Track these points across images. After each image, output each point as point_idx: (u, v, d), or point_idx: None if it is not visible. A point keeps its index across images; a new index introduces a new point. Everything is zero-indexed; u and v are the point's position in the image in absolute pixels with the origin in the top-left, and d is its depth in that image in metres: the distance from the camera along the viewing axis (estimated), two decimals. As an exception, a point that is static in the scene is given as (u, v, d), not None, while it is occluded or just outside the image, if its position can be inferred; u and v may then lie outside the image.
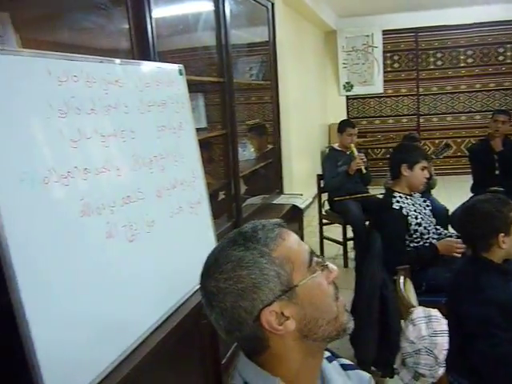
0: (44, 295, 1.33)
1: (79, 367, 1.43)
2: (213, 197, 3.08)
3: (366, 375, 1.08)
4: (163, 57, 2.65)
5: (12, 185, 1.28)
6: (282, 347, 0.91)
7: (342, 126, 4.71)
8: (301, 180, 5.98)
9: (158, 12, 2.34)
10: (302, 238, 4.01)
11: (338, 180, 4.52)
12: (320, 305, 0.91)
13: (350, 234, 4.55)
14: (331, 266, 0.96)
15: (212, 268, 0.93)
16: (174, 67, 2.26)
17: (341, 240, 4.62)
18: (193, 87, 3.05)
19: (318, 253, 4.29)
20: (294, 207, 3.75)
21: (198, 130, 3.11)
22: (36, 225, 1.34)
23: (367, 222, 4.19)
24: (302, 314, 0.89)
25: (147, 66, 2.05)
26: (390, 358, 2.19)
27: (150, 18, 2.16)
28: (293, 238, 0.95)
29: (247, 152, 4.21)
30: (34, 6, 1.96)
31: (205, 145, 3.13)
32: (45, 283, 1.34)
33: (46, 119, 1.44)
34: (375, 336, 2.27)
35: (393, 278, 2.50)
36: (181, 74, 2.30)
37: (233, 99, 3.09)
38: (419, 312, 1.56)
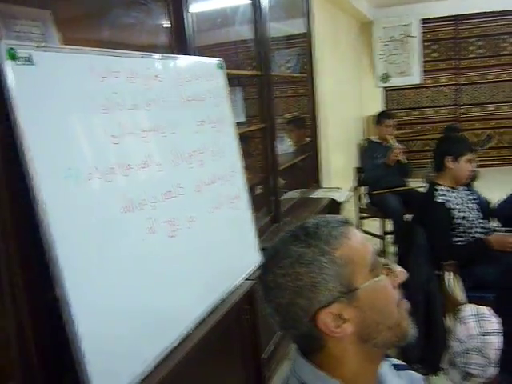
0: (88, 291, 1.33)
1: (124, 362, 1.43)
2: (251, 191, 3.07)
3: (419, 376, 1.04)
4: (202, 51, 2.65)
5: (57, 182, 1.29)
6: (340, 349, 0.87)
7: (380, 118, 4.63)
8: (338, 173, 5.90)
9: (196, 6, 2.33)
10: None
11: (377, 172, 4.44)
12: (382, 310, 0.87)
13: (388, 227, 4.48)
14: (398, 268, 0.91)
15: (271, 262, 0.89)
16: (213, 61, 2.25)
17: (380, 234, 4.55)
18: (231, 81, 3.03)
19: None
20: (333, 201, 3.70)
21: (236, 124, 3.11)
22: (80, 221, 1.34)
23: (407, 216, 4.10)
24: (361, 318, 0.85)
25: (186, 61, 2.04)
26: (435, 355, 2.14)
27: (189, 12, 2.15)
28: (358, 237, 0.89)
29: (285, 145, 4.18)
30: (75, 4, 1.97)
31: (243, 139, 3.11)
32: (89, 279, 1.34)
33: (89, 115, 1.44)
34: (421, 333, 2.21)
35: (436, 272, 2.44)
36: (220, 67, 2.29)
37: (271, 93, 3.06)
38: (469, 310, 1.51)
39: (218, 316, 1.88)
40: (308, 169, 4.25)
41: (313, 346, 0.89)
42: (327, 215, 0.93)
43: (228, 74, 2.59)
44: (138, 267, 1.54)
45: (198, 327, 1.78)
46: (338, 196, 3.77)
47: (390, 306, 0.88)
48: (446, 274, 1.88)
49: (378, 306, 0.86)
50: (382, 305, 0.87)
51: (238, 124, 3.09)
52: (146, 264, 1.58)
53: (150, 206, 1.63)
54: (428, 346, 2.17)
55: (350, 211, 5.71)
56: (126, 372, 1.43)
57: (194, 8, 2.23)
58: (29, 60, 1.26)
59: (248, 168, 3.12)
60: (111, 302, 1.41)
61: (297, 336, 0.90)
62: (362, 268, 0.86)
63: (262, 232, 2.83)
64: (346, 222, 0.91)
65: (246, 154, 3.19)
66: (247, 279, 2.15)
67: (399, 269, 0.91)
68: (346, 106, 7.30)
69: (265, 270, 0.91)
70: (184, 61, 2.02)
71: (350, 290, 0.84)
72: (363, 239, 0.90)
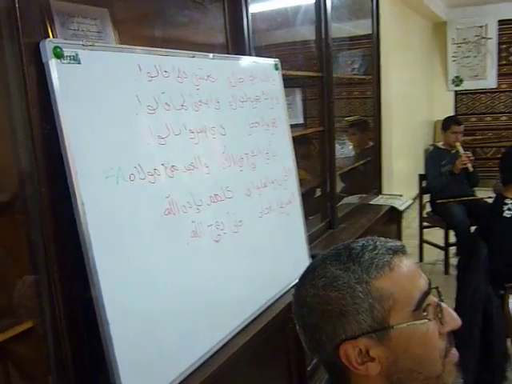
0: (124, 294, 1.31)
1: (158, 367, 1.41)
2: (307, 195, 3.00)
3: None
4: (260, 51, 2.60)
5: (97, 181, 1.27)
6: None
7: (447, 123, 4.41)
8: (401, 179, 5.71)
9: (256, 6, 2.28)
10: (401, 238, 3.83)
11: (442, 180, 4.24)
12: (418, 357, 0.76)
13: (452, 238, 4.27)
14: (451, 314, 0.79)
15: (307, 277, 0.83)
16: (270, 62, 2.19)
17: (442, 245, 4.35)
18: (290, 82, 2.97)
19: (417, 257, 4.01)
20: (393, 209, 3.56)
21: (294, 126, 3.05)
22: (119, 222, 1.33)
23: (472, 228, 3.89)
24: (391, 360, 0.76)
25: (241, 61, 2.00)
26: (492, 380, 1.99)
27: (247, 11, 2.11)
28: (406, 270, 0.78)
29: (346, 149, 4.07)
30: (133, 2, 1.97)
31: (301, 141, 3.03)
32: (126, 282, 1.32)
33: (135, 115, 1.42)
34: (476, 355, 2.07)
35: (499, 292, 2.28)
36: (276, 68, 2.23)
37: (331, 94, 2.97)
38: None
39: (262, 324, 1.83)
40: (369, 174, 4.12)
41: (338, 378, 0.82)
42: (382, 238, 0.83)
43: (287, 75, 2.54)
44: (180, 271, 1.51)
45: (241, 333, 1.74)
46: (399, 204, 3.62)
47: (429, 355, 0.77)
48: (509, 295, 1.73)
49: (415, 352, 0.76)
50: (420, 352, 0.76)
51: (296, 126, 3.03)
52: (188, 268, 1.55)
53: (194, 209, 1.60)
54: (484, 373, 2.02)
55: (412, 219, 5.53)
56: (159, 377, 1.41)
57: (253, 7, 2.19)
58: (75, 59, 1.26)
59: (305, 170, 3.06)
60: (148, 306, 1.38)
61: (322, 361, 0.83)
62: (403, 306, 0.76)
63: (315, 237, 2.76)
64: (397, 251, 0.80)
65: (304, 157, 3.12)
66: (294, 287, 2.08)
67: (452, 315, 0.79)
68: (415, 109, 7.07)
69: (299, 284, 0.85)
70: (239, 61, 1.98)
71: (382, 328, 0.75)
72: (413, 273, 0.79)
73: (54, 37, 1.65)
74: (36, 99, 1.20)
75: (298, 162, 3.08)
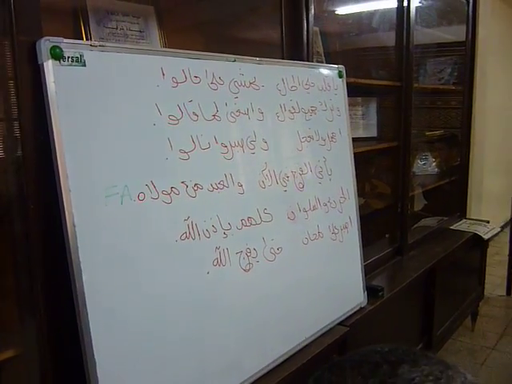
0: (121, 337, 1.14)
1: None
2: (373, 216, 2.73)
3: None
4: (329, 58, 2.38)
5: (95, 201, 1.11)
6: None
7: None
8: (492, 202, 5.19)
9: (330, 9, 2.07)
10: (484, 269, 3.41)
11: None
12: None
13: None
14: None
15: None
16: (332, 68, 1.95)
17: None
18: (363, 91, 2.72)
19: (505, 288, 3.52)
20: (476, 237, 3.17)
21: (367, 139, 2.78)
22: (121, 248, 1.16)
23: None
24: None
25: (295, 67, 1.77)
26: None
27: (307, 13, 1.88)
28: None
29: (428, 165, 3.71)
30: (182, 0, 1.82)
31: (387, 152, 2.73)
32: (125, 321, 1.15)
33: (152, 126, 1.25)
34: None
35: None
36: (340, 76, 1.99)
37: (410, 107, 2.67)
38: None
39: (295, 367, 1.60)
40: (454, 194, 3.73)
41: None
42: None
43: (358, 83, 2.29)
44: (196, 305, 1.33)
45: (266, 377, 1.52)
46: (484, 231, 3.21)
47: None
48: None
49: None
50: None
51: (370, 140, 2.77)
52: (206, 301, 1.36)
53: (220, 234, 1.41)
54: None
55: (503, 244, 4.99)
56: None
57: (319, 8, 1.97)
58: (78, 61, 1.10)
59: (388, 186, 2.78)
60: (151, 353, 1.21)
61: None
62: None
63: (378, 265, 2.48)
64: None
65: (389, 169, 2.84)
66: (340, 324, 1.84)
67: None
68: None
69: None
70: (292, 67, 1.75)
71: None
72: None
73: (86, 36, 1.54)
74: (29, 105, 1.06)
75: (380, 176, 2.80)
